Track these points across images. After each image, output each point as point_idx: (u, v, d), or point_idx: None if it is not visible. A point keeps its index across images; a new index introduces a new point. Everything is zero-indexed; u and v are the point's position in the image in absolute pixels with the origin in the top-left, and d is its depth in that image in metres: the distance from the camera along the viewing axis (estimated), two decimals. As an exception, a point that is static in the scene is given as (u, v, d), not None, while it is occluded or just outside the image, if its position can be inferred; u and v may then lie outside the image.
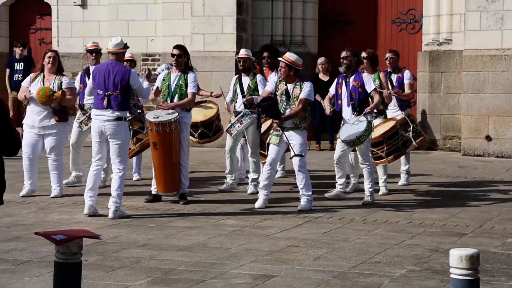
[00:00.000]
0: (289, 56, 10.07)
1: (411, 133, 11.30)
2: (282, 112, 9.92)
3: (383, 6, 17.32)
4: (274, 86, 10.08)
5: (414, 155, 15.02)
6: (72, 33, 18.39)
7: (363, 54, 11.19)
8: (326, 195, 10.64)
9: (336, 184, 10.68)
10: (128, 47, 9.82)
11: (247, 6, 17.08)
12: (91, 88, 10.04)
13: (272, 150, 10.04)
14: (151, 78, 10.66)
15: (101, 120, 9.44)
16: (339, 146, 10.46)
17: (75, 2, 18.44)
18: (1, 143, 5.17)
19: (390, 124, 10.74)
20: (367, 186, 10.36)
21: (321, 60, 16.43)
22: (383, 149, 10.64)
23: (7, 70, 17.20)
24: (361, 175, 10.76)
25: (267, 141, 10.33)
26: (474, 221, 9.37)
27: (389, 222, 9.30)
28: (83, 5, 18.46)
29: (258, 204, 10.04)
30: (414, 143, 11.33)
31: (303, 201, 9.96)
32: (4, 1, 18.95)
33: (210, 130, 11.84)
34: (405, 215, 9.67)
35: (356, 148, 10.40)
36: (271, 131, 10.16)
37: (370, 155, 10.61)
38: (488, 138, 15.25)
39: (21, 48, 17.18)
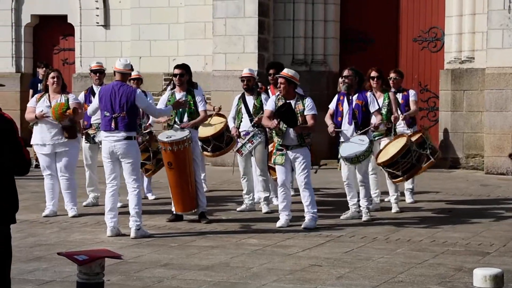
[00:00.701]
0: (287, 71, 10.12)
1: (428, 150, 11.27)
2: (285, 130, 9.92)
3: (404, 25, 17.31)
4: (274, 105, 10.10)
5: (437, 173, 14.98)
6: (95, 53, 18.53)
7: (373, 74, 11.20)
8: (342, 217, 10.60)
9: (349, 205, 10.64)
10: (132, 70, 9.89)
11: (268, 26, 17.13)
12: (94, 108, 9.93)
13: (280, 171, 10.04)
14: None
15: (111, 140, 9.49)
16: (345, 166, 10.46)
17: (97, 23, 18.61)
18: (11, 162, 5.21)
19: (401, 143, 10.68)
20: (364, 203, 10.42)
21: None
22: (399, 168, 10.62)
23: (31, 91, 17.29)
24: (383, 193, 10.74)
25: (272, 162, 10.33)
26: (498, 240, 9.29)
27: (412, 241, 9.24)
28: (106, 25, 18.62)
29: (280, 223, 10.03)
30: (432, 159, 11.29)
31: (307, 218, 9.96)
32: (28, 22, 19.14)
33: (222, 142, 11.89)
34: (428, 234, 9.61)
35: (356, 167, 10.40)
36: (275, 151, 10.15)
37: (387, 175, 10.65)
38: (511, 156, 15.15)
39: (44, 68, 17.24)
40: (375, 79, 11.20)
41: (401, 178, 10.73)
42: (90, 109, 10.23)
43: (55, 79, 10.73)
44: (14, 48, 19.14)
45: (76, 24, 18.79)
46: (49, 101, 10.69)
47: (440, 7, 16.85)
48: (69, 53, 19.27)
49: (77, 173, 11.18)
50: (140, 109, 9.95)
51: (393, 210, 11.09)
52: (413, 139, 11.27)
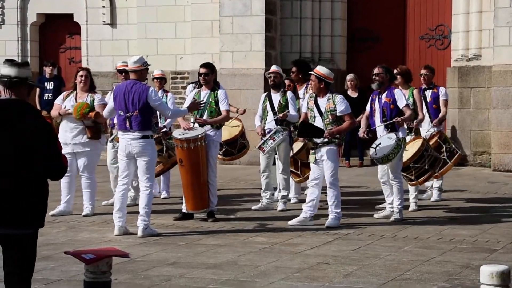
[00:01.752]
0: (320, 69, 10.07)
1: (445, 153, 11.23)
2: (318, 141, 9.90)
3: (411, 23, 17.29)
4: (307, 105, 10.09)
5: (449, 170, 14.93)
6: (102, 52, 18.56)
7: (396, 71, 11.16)
8: (375, 216, 10.54)
9: (385, 204, 10.56)
10: (148, 65, 9.71)
11: (275, 24, 17.13)
12: (110, 109, 9.73)
13: (311, 168, 10.03)
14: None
15: (128, 139, 9.46)
16: (380, 165, 10.41)
17: (104, 21, 18.62)
18: (48, 168, 5.22)
19: (416, 147, 10.63)
20: (396, 203, 10.30)
21: (350, 76, 16.43)
22: (412, 173, 10.60)
23: (37, 90, 17.32)
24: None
25: (308, 161, 10.31)
26: (505, 237, 9.28)
27: (420, 238, 9.24)
28: (112, 24, 18.64)
29: (293, 221, 10.00)
30: (450, 162, 11.25)
31: (331, 217, 9.92)
32: (34, 21, 19.17)
33: (234, 148, 11.84)
34: (435, 231, 9.60)
35: (388, 165, 10.34)
36: (311, 151, 10.13)
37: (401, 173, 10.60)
38: (519, 153, 15.13)
39: (51, 67, 17.34)
40: (398, 76, 11.18)
41: (414, 182, 10.70)
42: (106, 111, 9.90)
43: (83, 78, 10.71)
44: (20, 47, 19.15)
45: (83, 22, 18.81)
46: (76, 99, 10.68)
47: (447, 5, 16.83)
48: (75, 52, 19.29)
49: (98, 172, 11.16)
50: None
51: (410, 208, 11.01)
52: (430, 142, 11.21)
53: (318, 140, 9.89)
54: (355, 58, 17.50)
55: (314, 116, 9.95)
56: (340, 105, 9.88)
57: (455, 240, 9.13)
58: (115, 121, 11.31)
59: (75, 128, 10.60)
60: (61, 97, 10.93)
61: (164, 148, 11.34)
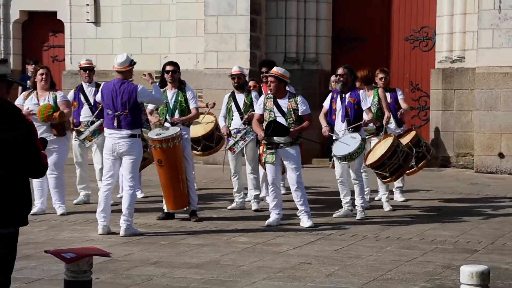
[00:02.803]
0: (278, 69, 10.10)
1: (423, 148, 11.35)
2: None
3: (396, 24, 17.33)
4: (263, 105, 10.08)
5: (427, 172, 14.99)
6: (85, 51, 18.47)
7: (359, 74, 11.24)
8: (334, 215, 10.62)
9: (342, 203, 10.65)
10: (135, 63, 9.73)
11: (260, 24, 17.13)
12: (100, 98, 9.86)
13: (271, 169, 10.03)
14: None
15: (115, 138, 9.45)
16: (338, 164, 10.48)
17: (88, 20, 18.54)
18: (28, 166, 5.20)
19: (388, 143, 10.69)
20: (359, 202, 10.42)
21: (334, 77, 16.40)
22: (386, 169, 10.65)
23: (20, 88, 17.22)
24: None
25: (263, 161, 10.33)
26: (486, 237, 9.33)
27: (402, 239, 9.27)
28: (96, 22, 18.57)
29: (269, 221, 10.03)
30: (429, 156, 11.37)
31: (305, 218, 9.94)
32: (16, 18, 19.07)
33: (212, 142, 11.91)
34: (417, 232, 9.63)
35: (349, 164, 10.41)
36: (265, 150, 10.12)
37: (376, 176, 10.68)
38: (501, 155, 15.21)
39: (33, 65, 17.18)
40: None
41: (389, 179, 10.76)
42: (98, 98, 10.04)
43: (44, 76, 10.67)
44: (2, 44, 19.06)
45: (66, 20, 18.72)
46: (37, 98, 10.62)
47: (431, 7, 16.88)
48: (59, 50, 19.21)
49: (66, 171, 11.16)
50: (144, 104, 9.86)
51: (386, 209, 11.11)
52: (408, 138, 11.32)
53: (282, 140, 9.89)
54: (339, 58, 17.50)
55: (275, 117, 9.95)
56: (302, 105, 9.95)
57: (436, 240, 9.16)
58: (81, 119, 11.34)
59: (41, 127, 10.54)
60: (21, 97, 10.86)
61: (148, 144, 11.34)
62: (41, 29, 19.26)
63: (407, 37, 17.23)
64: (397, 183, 11.91)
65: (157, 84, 10.08)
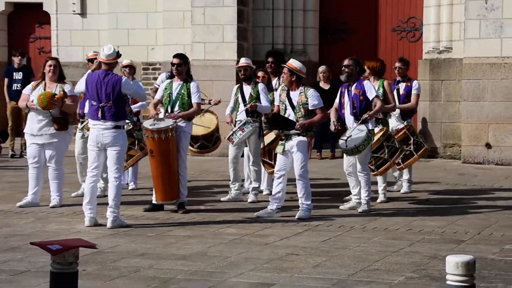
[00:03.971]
0: (292, 62, 10.05)
1: (412, 146, 11.31)
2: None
3: (383, 15, 17.34)
4: (279, 96, 10.09)
5: (415, 163, 15.01)
6: (72, 42, 18.41)
7: (370, 65, 11.17)
8: (341, 207, 10.57)
9: (351, 196, 10.59)
10: (120, 55, 9.72)
11: (247, 15, 17.10)
12: (80, 89, 9.86)
13: (278, 159, 10.02)
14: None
15: (99, 129, 9.42)
16: (346, 156, 10.44)
17: (74, 11, 18.46)
18: None
19: (376, 137, 10.68)
20: (363, 194, 10.36)
21: (322, 68, 16.45)
22: (372, 163, 10.65)
23: (6, 80, 17.15)
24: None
25: (275, 151, 10.31)
26: (473, 228, 9.36)
27: (389, 229, 9.28)
28: (83, 14, 18.50)
29: (260, 213, 10.00)
30: (416, 155, 11.34)
31: (302, 209, 9.93)
32: (2, 9, 18.97)
33: (210, 142, 11.80)
34: (405, 223, 9.65)
35: (356, 157, 10.37)
36: (280, 141, 10.13)
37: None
38: (488, 145, 15.26)
39: (19, 57, 17.13)
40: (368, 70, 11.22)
41: (375, 172, 10.75)
42: (78, 88, 9.93)
43: (52, 68, 10.61)
44: (-12, 36, 18.98)
45: (52, 12, 18.63)
46: (45, 89, 10.57)
47: (418, -3, 16.91)
48: (45, 42, 19.13)
49: (67, 164, 11.09)
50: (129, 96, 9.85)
51: (379, 200, 11.08)
52: (397, 135, 11.26)
53: (291, 132, 9.88)
54: (327, 50, 17.53)
55: (286, 109, 9.95)
56: (312, 99, 9.89)
57: (423, 231, 9.19)
58: (85, 110, 11.28)
59: (42, 120, 10.50)
60: (29, 87, 10.80)
61: (136, 141, 11.32)
62: (27, 20, 19.17)
63: (394, 28, 17.25)
64: (405, 175, 11.82)
65: (139, 81, 10.08)
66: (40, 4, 18.75)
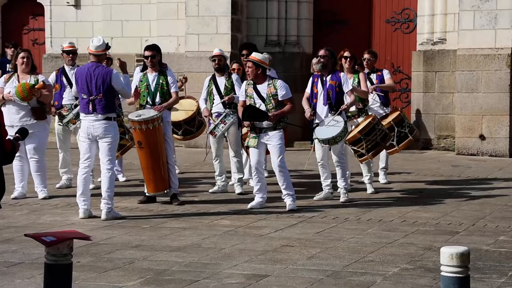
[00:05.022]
0: (255, 55, 10.07)
1: (406, 128, 11.39)
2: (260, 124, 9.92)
3: (377, 6, 17.32)
4: (245, 93, 10.07)
5: (409, 154, 15.06)
6: (66, 34, 18.33)
7: (346, 54, 11.21)
8: (315, 198, 10.63)
9: (323, 186, 10.67)
10: (109, 47, 9.71)
11: (241, 6, 17.06)
12: (76, 91, 9.88)
13: (253, 153, 10.03)
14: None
15: (90, 120, 9.42)
16: (319, 147, 10.48)
17: (68, 3, 18.39)
18: None
19: (367, 121, 10.75)
20: (342, 184, 10.48)
21: (315, 60, 16.39)
22: (363, 146, 10.66)
23: (-1, 71, 17.12)
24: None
25: (246, 144, 10.33)
26: (467, 219, 9.38)
27: (383, 221, 9.29)
28: (77, 5, 18.42)
29: (251, 204, 10.02)
30: (410, 137, 11.41)
31: (289, 201, 9.94)
32: (-5, 1, 18.91)
33: (193, 126, 11.88)
34: (399, 214, 9.67)
35: (331, 147, 10.43)
36: (249, 134, 10.13)
37: (353, 154, 10.72)
38: (482, 137, 15.27)
39: (12, 49, 17.02)
40: (348, 60, 11.23)
41: (365, 156, 10.76)
42: (73, 91, 10.46)
43: (25, 59, 10.59)
44: (-19, 27, 18.91)
45: (46, 3, 18.55)
46: (18, 81, 10.55)
47: (412, -12, 16.89)
48: (39, 33, 19.06)
49: (48, 155, 11.09)
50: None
51: (369, 191, 11.13)
52: (391, 118, 11.35)
53: (265, 124, 9.88)
54: (321, 41, 17.49)
55: (255, 103, 9.94)
56: (281, 89, 9.92)
57: (418, 222, 9.20)
58: (63, 102, 11.28)
59: (20, 110, 10.48)
60: (2, 80, 10.77)
61: (125, 131, 11.31)
62: (21, 12, 19.09)
63: (388, 19, 17.23)
64: (382, 164, 11.93)
65: (128, 76, 10.10)
66: (34, -4, 18.69)
